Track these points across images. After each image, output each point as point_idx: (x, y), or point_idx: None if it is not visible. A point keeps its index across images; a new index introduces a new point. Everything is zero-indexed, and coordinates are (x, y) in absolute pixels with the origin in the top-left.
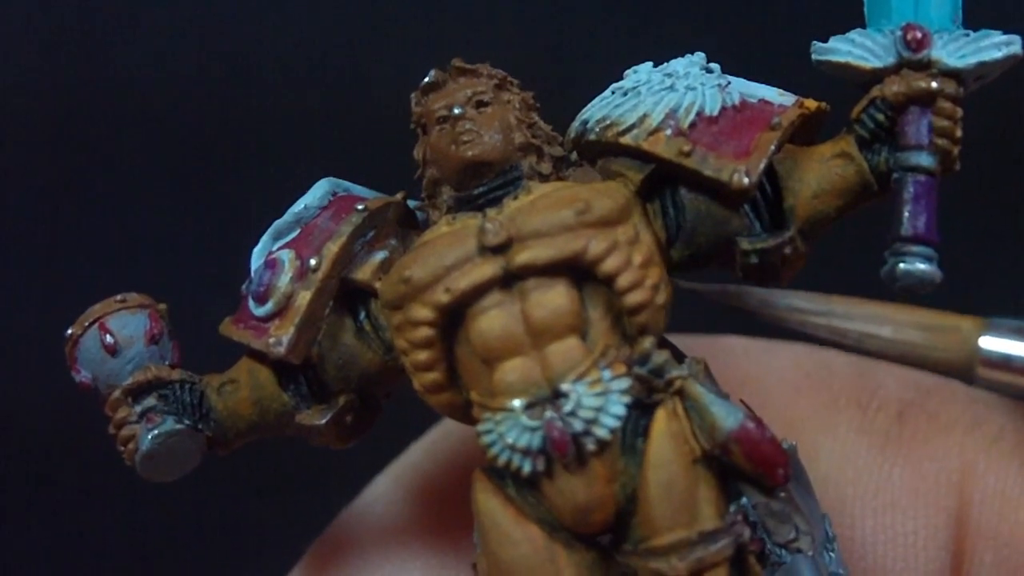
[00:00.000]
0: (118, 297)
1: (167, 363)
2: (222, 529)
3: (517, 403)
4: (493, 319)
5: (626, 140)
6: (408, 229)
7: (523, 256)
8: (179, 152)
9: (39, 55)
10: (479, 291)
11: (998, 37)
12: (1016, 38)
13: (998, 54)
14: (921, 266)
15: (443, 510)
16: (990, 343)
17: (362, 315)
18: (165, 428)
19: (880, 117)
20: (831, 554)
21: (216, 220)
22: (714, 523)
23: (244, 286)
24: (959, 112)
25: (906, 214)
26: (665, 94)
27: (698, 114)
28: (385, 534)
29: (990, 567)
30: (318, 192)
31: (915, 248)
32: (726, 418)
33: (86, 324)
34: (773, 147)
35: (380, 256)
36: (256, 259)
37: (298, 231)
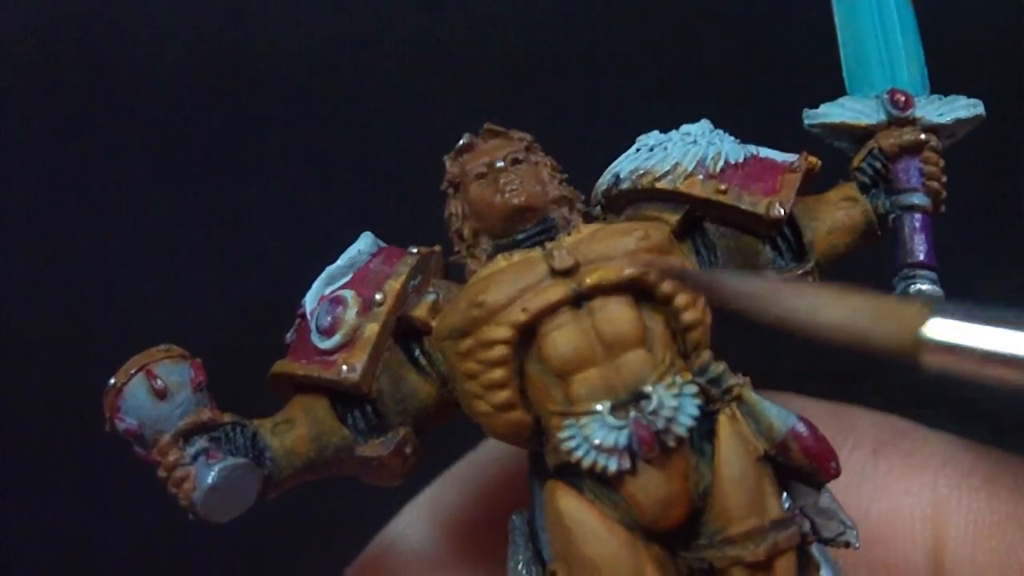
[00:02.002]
0: (161, 347)
1: None
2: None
3: (603, 405)
4: (568, 334)
5: (663, 185)
6: (446, 280)
7: (593, 277)
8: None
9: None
10: (552, 309)
11: (966, 100)
12: (979, 102)
13: (968, 113)
14: (928, 287)
15: (472, 541)
16: (935, 328)
17: (416, 352)
18: (229, 462)
19: (878, 165)
20: None
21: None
22: (781, 514)
23: (289, 333)
24: (942, 161)
25: (910, 245)
26: (691, 147)
27: (725, 161)
28: (415, 566)
29: None
30: (367, 240)
31: (922, 273)
32: (783, 419)
33: (131, 372)
34: (798, 184)
35: (431, 297)
36: (310, 302)
37: (351, 275)
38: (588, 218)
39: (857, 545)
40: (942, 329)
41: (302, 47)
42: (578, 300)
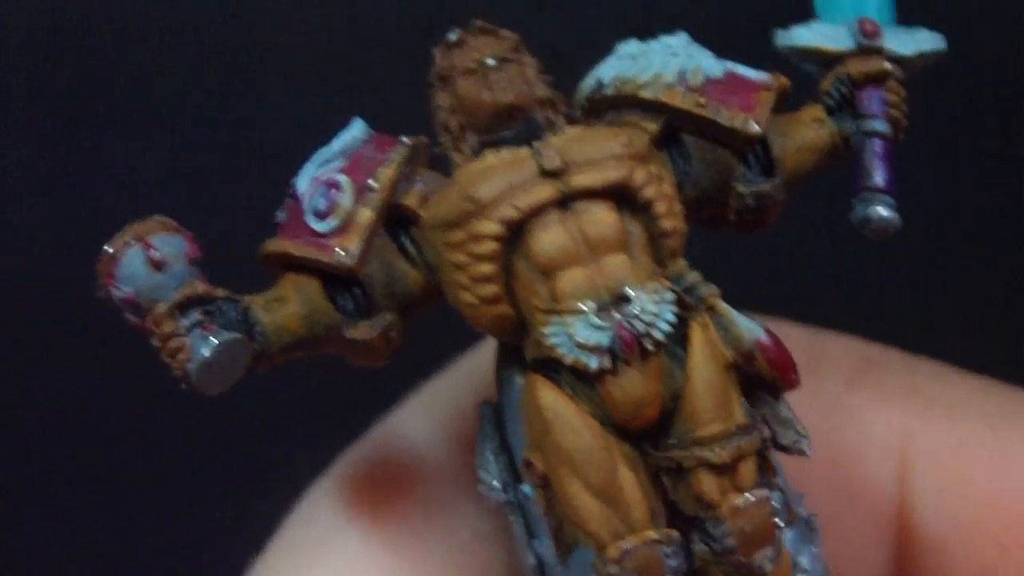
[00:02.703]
0: (156, 218)
1: None
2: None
3: (588, 305)
4: (555, 233)
5: (645, 94)
6: (431, 170)
7: (580, 179)
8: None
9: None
10: (541, 208)
11: (929, 33)
12: (942, 36)
13: (931, 47)
14: (888, 212)
15: (468, 436)
16: None
17: (404, 239)
18: (224, 336)
19: (844, 90)
20: (813, 548)
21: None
22: (745, 419)
23: (280, 213)
24: (904, 91)
25: (871, 170)
26: (671, 59)
27: (705, 76)
28: (415, 458)
29: (932, 517)
30: (360, 127)
31: (882, 197)
32: (750, 330)
33: (128, 240)
34: (772, 103)
35: (420, 186)
36: (302, 183)
37: (344, 160)
38: (570, 120)
39: (809, 454)
40: None
41: None
42: (564, 201)
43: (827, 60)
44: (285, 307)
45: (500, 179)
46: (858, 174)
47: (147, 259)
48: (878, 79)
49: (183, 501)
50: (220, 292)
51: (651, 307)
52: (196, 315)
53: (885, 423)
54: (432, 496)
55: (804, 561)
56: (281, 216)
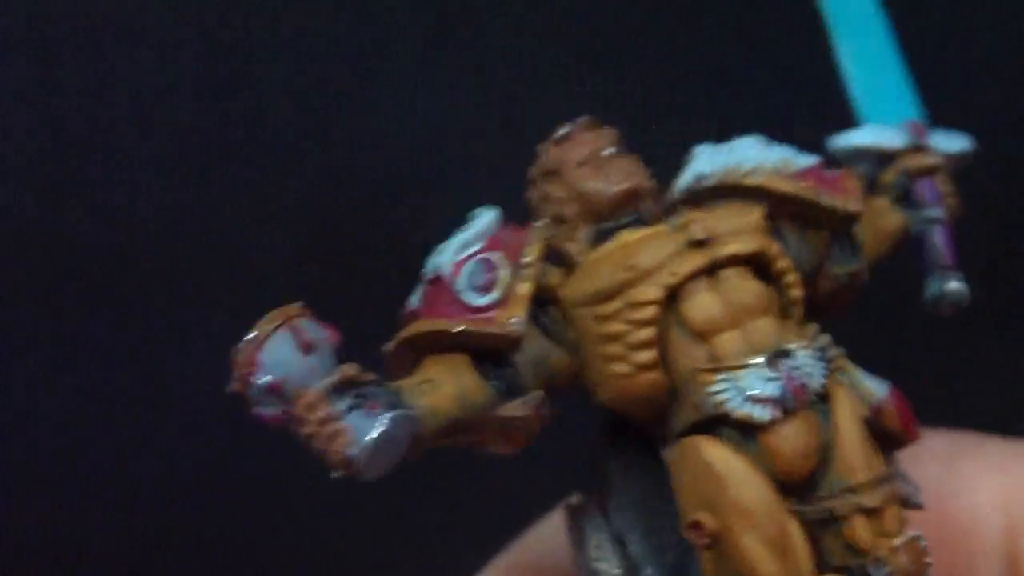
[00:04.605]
0: (295, 304)
1: None
2: None
3: (760, 359)
4: (708, 298)
5: (750, 180)
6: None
7: (728, 248)
8: None
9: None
10: (695, 275)
11: (961, 136)
12: (968, 137)
13: (966, 147)
14: (960, 285)
15: None
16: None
17: (543, 318)
18: (397, 412)
19: (905, 183)
20: None
21: None
22: (886, 469)
23: (414, 298)
24: (951, 183)
25: (941, 251)
26: (761, 150)
27: (797, 165)
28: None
29: None
30: (493, 214)
31: (951, 273)
32: (878, 387)
33: (275, 324)
34: (862, 186)
35: (556, 269)
36: (444, 267)
37: (485, 242)
38: (667, 211)
39: (922, 506)
40: None
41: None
42: (711, 269)
43: (883, 158)
44: (438, 388)
45: (656, 249)
46: (927, 257)
47: (297, 342)
48: (931, 172)
49: None
50: (371, 376)
51: (809, 359)
52: (349, 400)
53: (988, 496)
54: None
55: None
56: (415, 302)
